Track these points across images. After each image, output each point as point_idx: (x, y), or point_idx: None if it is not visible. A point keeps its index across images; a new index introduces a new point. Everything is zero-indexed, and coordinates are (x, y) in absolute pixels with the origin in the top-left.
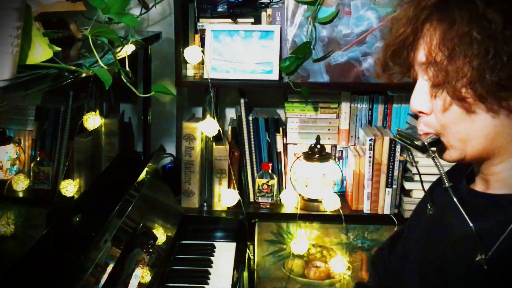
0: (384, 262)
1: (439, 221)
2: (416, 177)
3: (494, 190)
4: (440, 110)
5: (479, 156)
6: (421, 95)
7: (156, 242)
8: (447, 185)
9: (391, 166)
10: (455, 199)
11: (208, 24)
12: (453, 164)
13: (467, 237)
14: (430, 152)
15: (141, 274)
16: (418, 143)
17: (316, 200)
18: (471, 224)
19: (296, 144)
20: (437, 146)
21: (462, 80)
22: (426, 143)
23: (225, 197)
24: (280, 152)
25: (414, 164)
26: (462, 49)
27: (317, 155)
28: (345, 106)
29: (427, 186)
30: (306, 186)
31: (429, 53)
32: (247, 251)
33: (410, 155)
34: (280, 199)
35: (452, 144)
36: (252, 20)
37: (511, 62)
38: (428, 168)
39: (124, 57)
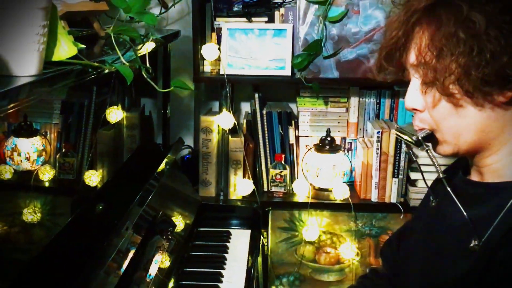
0: (393, 253)
1: (439, 211)
2: (421, 168)
3: (487, 180)
4: (431, 106)
5: (471, 150)
6: (414, 94)
7: (175, 229)
8: (441, 176)
9: (397, 157)
10: (448, 189)
11: (224, 23)
12: (453, 161)
13: (463, 224)
14: (424, 145)
15: (161, 259)
16: (413, 137)
17: (326, 190)
18: (464, 213)
19: (307, 136)
20: (431, 140)
21: (450, 77)
22: (420, 138)
23: (240, 186)
24: (292, 144)
25: (414, 159)
26: (449, 49)
27: (327, 147)
28: (354, 101)
29: (430, 179)
30: (317, 176)
31: (419, 53)
32: (261, 237)
33: (411, 152)
34: (292, 189)
35: (445, 139)
36: (266, 19)
37: (494, 59)
38: (429, 160)
39: (145, 54)
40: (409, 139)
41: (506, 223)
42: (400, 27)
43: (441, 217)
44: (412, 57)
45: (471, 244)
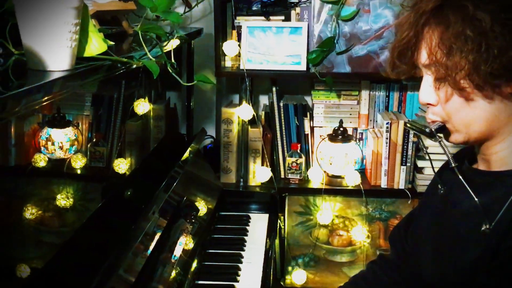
0: (401, 240)
1: (449, 199)
2: (429, 156)
3: (495, 168)
4: (444, 101)
5: (481, 138)
6: (427, 89)
7: (198, 214)
8: (453, 165)
9: (405, 146)
10: (460, 177)
11: (244, 21)
12: (459, 149)
13: (473, 210)
14: (437, 137)
15: (185, 241)
16: (426, 130)
17: (339, 177)
18: (476, 199)
19: (321, 127)
20: (443, 131)
21: (461, 72)
22: (433, 130)
23: (259, 173)
24: (307, 134)
25: (425, 150)
26: (458, 46)
27: (340, 137)
28: (364, 94)
29: (437, 167)
30: (331, 164)
31: (430, 52)
32: (279, 221)
33: (421, 142)
34: (307, 176)
35: (457, 129)
36: (282, 17)
37: (501, 54)
38: (437, 149)
39: (170, 50)
40: (422, 131)
41: None
42: (411, 28)
43: (451, 204)
44: (423, 57)
45: (482, 228)
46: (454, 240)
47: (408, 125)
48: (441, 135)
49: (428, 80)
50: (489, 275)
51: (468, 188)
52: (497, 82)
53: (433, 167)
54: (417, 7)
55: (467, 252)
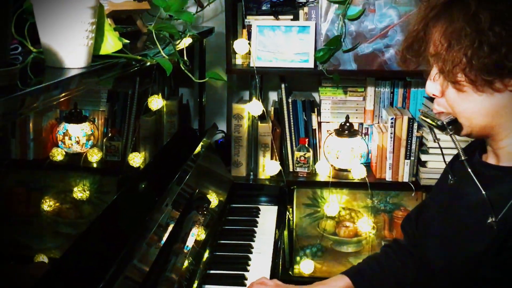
0: (412, 227)
1: (457, 190)
2: (431, 150)
3: (504, 162)
4: (442, 92)
5: (484, 132)
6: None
7: (210, 206)
8: (463, 158)
9: (409, 141)
10: (469, 170)
11: (254, 20)
12: (470, 141)
13: (481, 203)
14: (448, 130)
15: (197, 232)
16: (438, 122)
17: (345, 170)
18: (483, 192)
19: (328, 122)
20: (454, 125)
21: (456, 66)
22: (444, 123)
23: (268, 167)
24: (315, 129)
25: (436, 141)
26: (457, 41)
27: (346, 132)
28: (370, 90)
29: (447, 159)
30: (337, 158)
31: (434, 45)
32: (287, 213)
33: (433, 133)
34: (315, 169)
35: (460, 122)
36: (291, 17)
37: (493, 51)
38: (449, 143)
39: (183, 49)
40: (434, 123)
41: None
42: (420, 21)
43: (459, 195)
44: (430, 49)
45: (488, 221)
46: (460, 231)
47: (421, 116)
48: (451, 128)
49: (434, 72)
50: (493, 269)
51: (477, 182)
52: (490, 78)
53: (444, 158)
54: (430, 1)
55: (473, 244)
